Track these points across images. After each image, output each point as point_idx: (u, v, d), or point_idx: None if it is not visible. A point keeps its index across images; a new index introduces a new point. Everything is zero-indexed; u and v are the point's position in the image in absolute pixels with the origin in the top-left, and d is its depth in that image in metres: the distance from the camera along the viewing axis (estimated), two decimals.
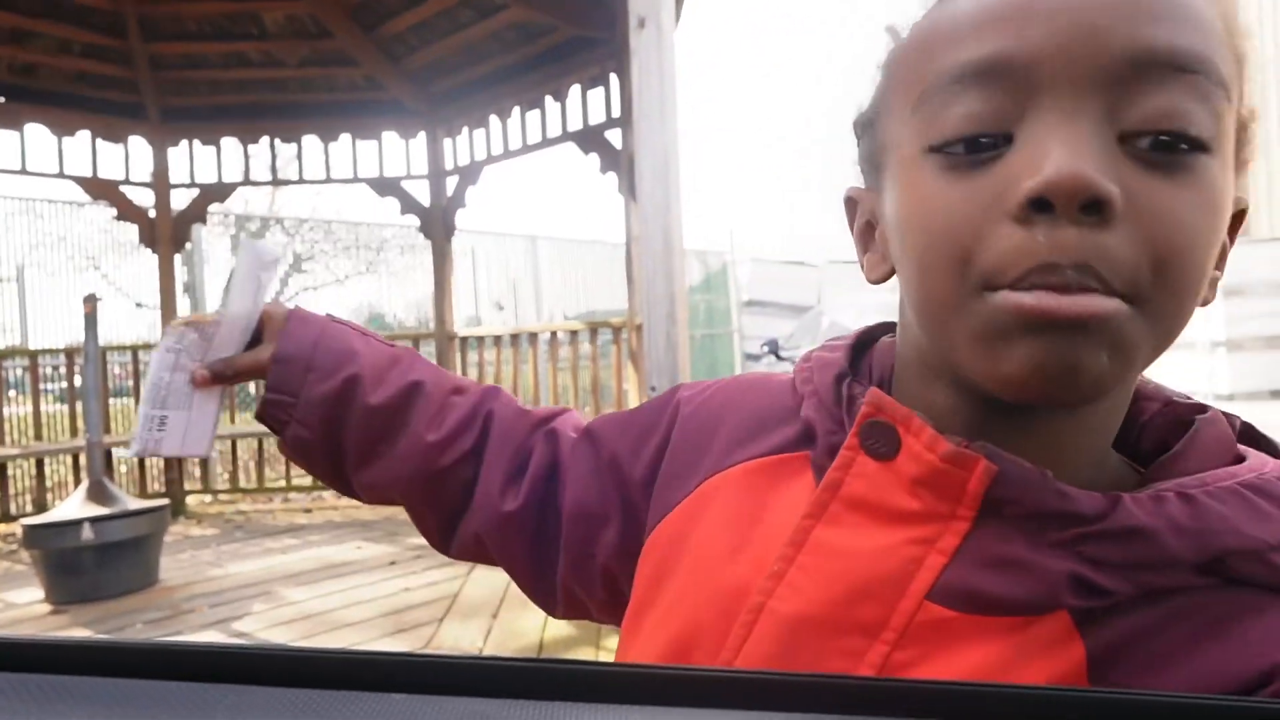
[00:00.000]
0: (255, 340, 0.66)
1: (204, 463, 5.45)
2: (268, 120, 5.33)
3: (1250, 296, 11.54)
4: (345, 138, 5.37)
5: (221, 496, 5.57)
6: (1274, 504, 0.37)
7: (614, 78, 4.20)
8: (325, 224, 9.56)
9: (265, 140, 5.37)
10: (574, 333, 4.99)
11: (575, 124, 4.48)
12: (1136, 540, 0.35)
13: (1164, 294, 0.35)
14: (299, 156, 5.47)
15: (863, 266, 0.46)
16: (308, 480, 5.62)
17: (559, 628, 2.79)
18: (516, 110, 4.82)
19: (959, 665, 0.37)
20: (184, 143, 5.30)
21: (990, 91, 0.35)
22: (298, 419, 0.61)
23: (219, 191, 5.44)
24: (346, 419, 0.61)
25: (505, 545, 0.61)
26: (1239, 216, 0.40)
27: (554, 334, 5.10)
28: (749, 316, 11.15)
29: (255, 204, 17.62)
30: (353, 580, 3.48)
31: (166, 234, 5.28)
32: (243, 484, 5.56)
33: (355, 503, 5.50)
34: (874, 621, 0.38)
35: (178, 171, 5.34)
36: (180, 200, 5.38)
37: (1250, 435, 0.44)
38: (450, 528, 0.64)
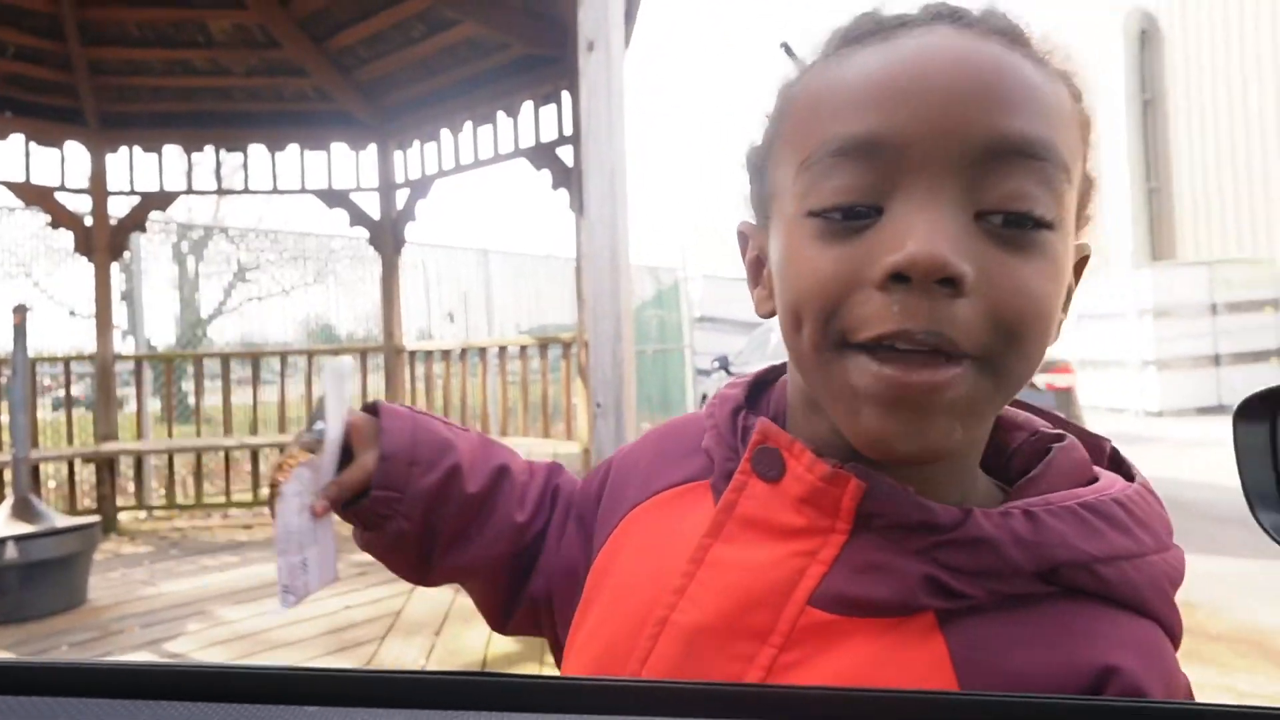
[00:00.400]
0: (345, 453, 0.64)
1: (138, 478, 5.29)
2: (212, 129, 5.24)
3: (1177, 318, 12.08)
4: (293, 148, 5.30)
5: (157, 513, 5.40)
6: (1105, 522, 0.41)
7: (566, 95, 4.23)
8: (271, 234, 9.39)
9: (210, 149, 5.27)
10: (524, 348, 4.99)
11: (527, 140, 4.50)
12: (983, 549, 0.40)
13: (1010, 353, 0.39)
14: (245, 166, 5.38)
15: (753, 299, 0.50)
16: (249, 495, 5.49)
17: (503, 644, 2.78)
18: (468, 125, 4.83)
19: (838, 664, 0.40)
20: (124, 149, 5.17)
21: (865, 166, 0.39)
22: (402, 513, 0.61)
23: (160, 199, 5.31)
24: (445, 507, 0.62)
25: (560, 601, 0.63)
26: (1083, 261, 0.46)
27: (503, 349, 5.09)
28: (701, 332, 11.26)
29: (199, 213, 17.19)
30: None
31: (104, 242, 5.13)
32: (179, 500, 5.41)
33: None
34: (763, 627, 0.42)
35: (116, 178, 5.20)
36: (119, 208, 5.24)
37: (1116, 459, 0.49)
38: (515, 600, 0.66)
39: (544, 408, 4.90)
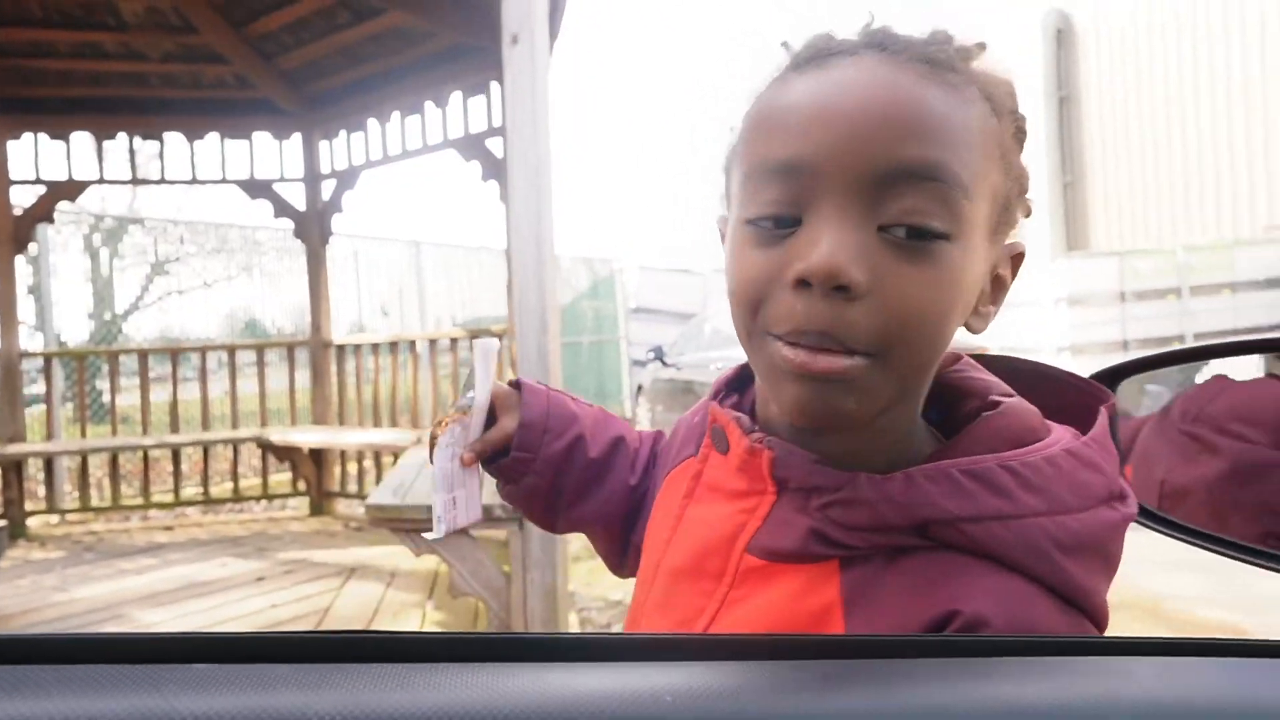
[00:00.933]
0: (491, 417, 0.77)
1: (49, 480, 5.07)
2: (126, 115, 5.03)
3: (1091, 305, 12.66)
4: (213, 137, 5.13)
5: (70, 516, 5.18)
6: (981, 485, 0.45)
7: (495, 86, 4.21)
8: (192, 225, 9.05)
9: (123, 136, 5.06)
10: (455, 340, 4.95)
11: (456, 131, 4.46)
12: (861, 507, 0.46)
13: (901, 349, 0.45)
14: (161, 154, 5.19)
15: None
16: (169, 496, 5.32)
17: None
18: (396, 115, 4.75)
19: (767, 600, 0.49)
20: (28, 136, 4.93)
21: (789, 184, 0.46)
22: (535, 470, 0.73)
23: (68, 189, 5.08)
24: (570, 469, 0.74)
25: None
26: (1018, 258, 0.52)
27: (434, 341, 5.04)
28: (636, 323, 11.31)
29: (113, 203, 16.42)
30: (217, 599, 3.34)
31: (6, 233, 4.89)
32: (95, 502, 5.20)
33: (223, 518, 5.22)
34: (718, 570, 0.52)
35: (20, 167, 4.95)
36: (23, 197, 5.00)
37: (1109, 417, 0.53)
38: (626, 548, 0.77)
39: None
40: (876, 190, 0.44)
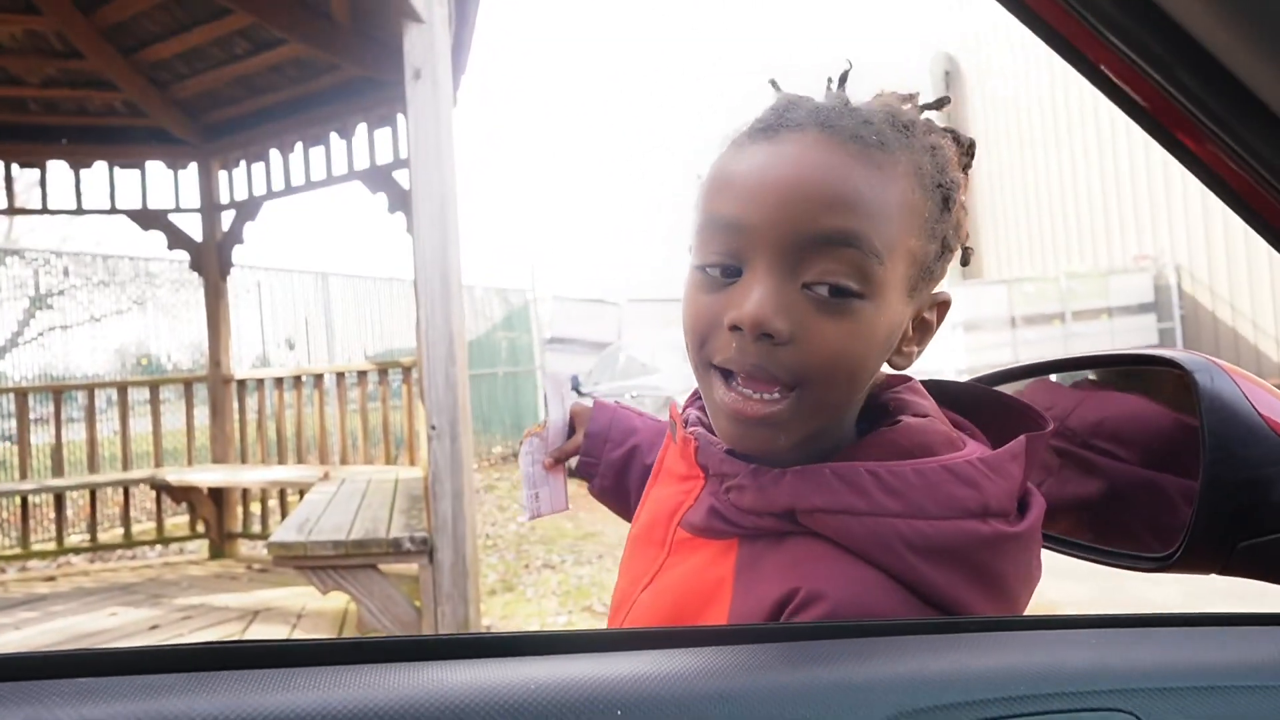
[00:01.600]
0: (572, 430, 0.95)
1: None
2: (2, 142, 4.77)
3: (985, 330, 13.42)
4: (100, 165, 4.92)
5: None
6: (843, 483, 0.52)
7: (402, 119, 4.20)
8: (77, 256, 8.57)
9: None
10: (363, 373, 4.85)
11: (363, 162, 4.42)
12: (748, 492, 0.55)
13: (819, 386, 0.53)
14: (42, 183, 4.94)
15: None
16: (51, 544, 4.98)
17: None
18: (299, 146, 4.67)
19: (686, 567, 0.59)
20: None
21: (730, 239, 0.53)
22: (600, 473, 0.90)
23: None
24: (630, 471, 0.89)
25: None
26: (943, 306, 0.60)
27: (341, 375, 4.93)
28: (551, 353, 11.29)
29: None
30: None
31: None
32: None
33: (112, 566, 4.92)
34: (660, 539, 0.62)
35: None
36: None
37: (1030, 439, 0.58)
38: None
39: (386, 434, 4.79)
40: (801, 253, 0.51)
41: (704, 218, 0.55)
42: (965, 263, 0.61)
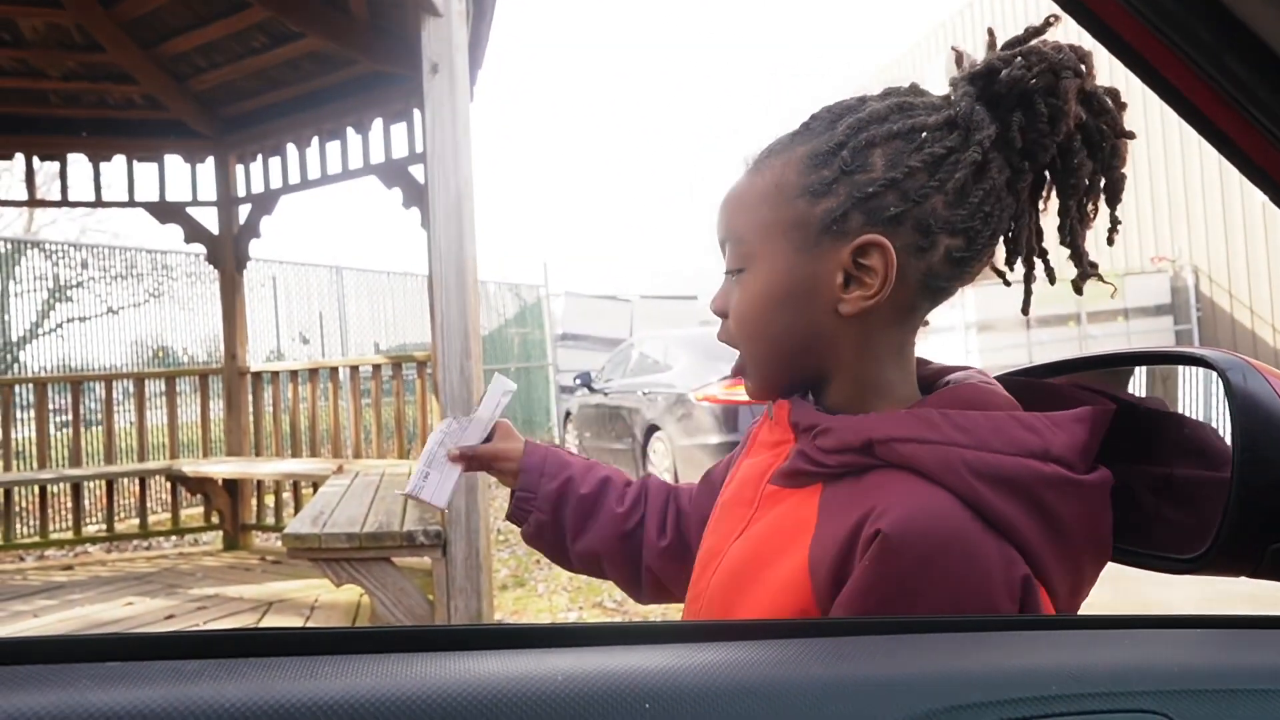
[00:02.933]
0: (489, 438, 0.95)
1: None
2: (23, 134, 4.82)
3: (998, 331, 13.33)
4: (119, 158, 4.96)
5: None
6: (915, 419, 0.58)
7: (418, 113, 4.21)
8: (96, 249, 8.65)
9: (20, 157, 4.84)
10: (376, 367, 4.87)
11: (378, 157, 4.43)
12: (831, 433, 0.61)
13: (746, 341, 0.69)
14: (63, 175, 4.98)
15: None
16: (69, 534, 5.04)
17: None
18: (316, 140, 4.69)
19: (772, 515, 0.65)
20: None
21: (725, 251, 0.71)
22: (537, 506, 0.90)
23: None
24: (566, 504, 0.90)
25: (667, 570, 0.89)
26: (873, 246, 0.61)
27: (355, 369, 4.95)
28: (564, 350, 11.31)
29: (9, 225, 15.52)
30: None
31: None
32: None
33: (128, 556, 4.97)
34: (750, 498, 0.69)
35: None
36: None
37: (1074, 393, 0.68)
38: (637, 575, 0.91)
39: (399, 428, 4.81)
40: (723, 254, 0.70)
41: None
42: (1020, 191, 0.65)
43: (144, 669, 0.36)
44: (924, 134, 0.60)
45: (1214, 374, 0.61)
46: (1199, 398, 0.68)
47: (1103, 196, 0.64)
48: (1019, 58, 0.61)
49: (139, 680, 0.35)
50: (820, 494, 0.62)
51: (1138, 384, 0.84)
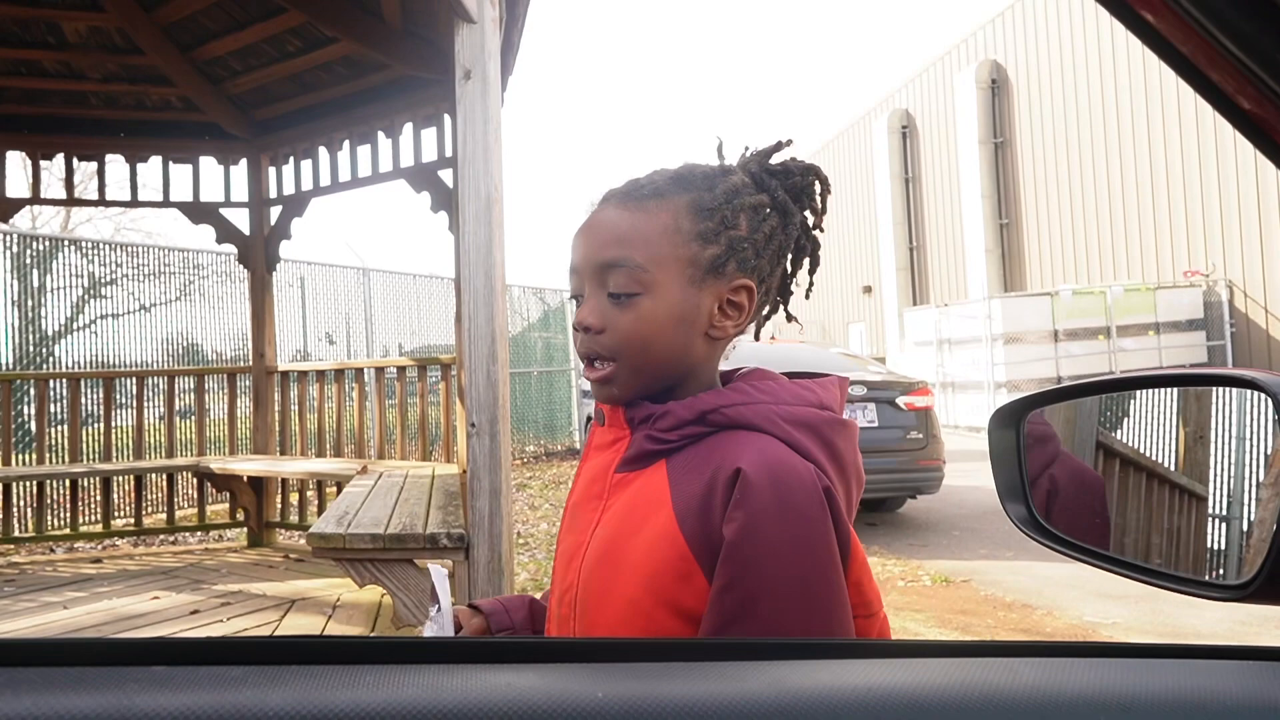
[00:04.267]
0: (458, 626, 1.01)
1: None
2: (64, 135, 4.92)
3: (1025, 343, 13.16)
4: (156, 160, 5.05)
5: None
6: (735, 392, 0.77)
7: (448, 118, 4.24)
8: (130, 248, 8.80)
9: (60, 156, 4.95)
10: (402, 369, 4.91)
11: (408, 161, 4.47)
12: (669, 416, 0.76)
13: (627, 356, 0.78)
14: (100, 175, 5.08)
15: None
16: (98, 527, 5.12)
17: None
18: (346, 143, 4.74)
19: (624, 498, 0.77)
20: None
21: (572, 275, 0.82)
22: (520, 634, 0.98)
23: (2, 208, 4.93)
24: (537, 621, 0.98)
25: None
26: (744, 289, 0.80)
27: (380, 370, 4.99)
28: None
29: (47, 223, 15.85)
30: (147, 633, 3.22)
31: None
32: (17, 533, 4.98)
33: (156, 550, 5.04)
34: (599, 491, 0.80)
35: None
36: None
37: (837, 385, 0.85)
38: None
39: (423, 430, 4.84)
40: (600, 274, 0.78)
41: (570, 264, 0.83)
42: (811, 253, 0.86)
43: (189, 674, 0.37)
44: (767, 210, 0.81)
45: (1263, 395, 0.60)
46: (1236, 420, 0.66)
47: (807, 262, 0.87)
48: (792, 163, 0.84)
49: (184, 685, 0.36)
50: (666, 468, 0.76)
51: (1167, 400, 0.82)
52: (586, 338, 0.78)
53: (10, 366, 6.70)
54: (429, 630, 0.94)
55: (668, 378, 0.79)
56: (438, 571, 0.96)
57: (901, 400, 5.92)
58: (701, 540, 0.70)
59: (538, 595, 1.01)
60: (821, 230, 0.88)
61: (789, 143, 0.86)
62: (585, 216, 0.84)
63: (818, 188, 0.86)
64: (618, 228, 0.78)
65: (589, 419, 9.57)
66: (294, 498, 5.28)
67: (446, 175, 4.26)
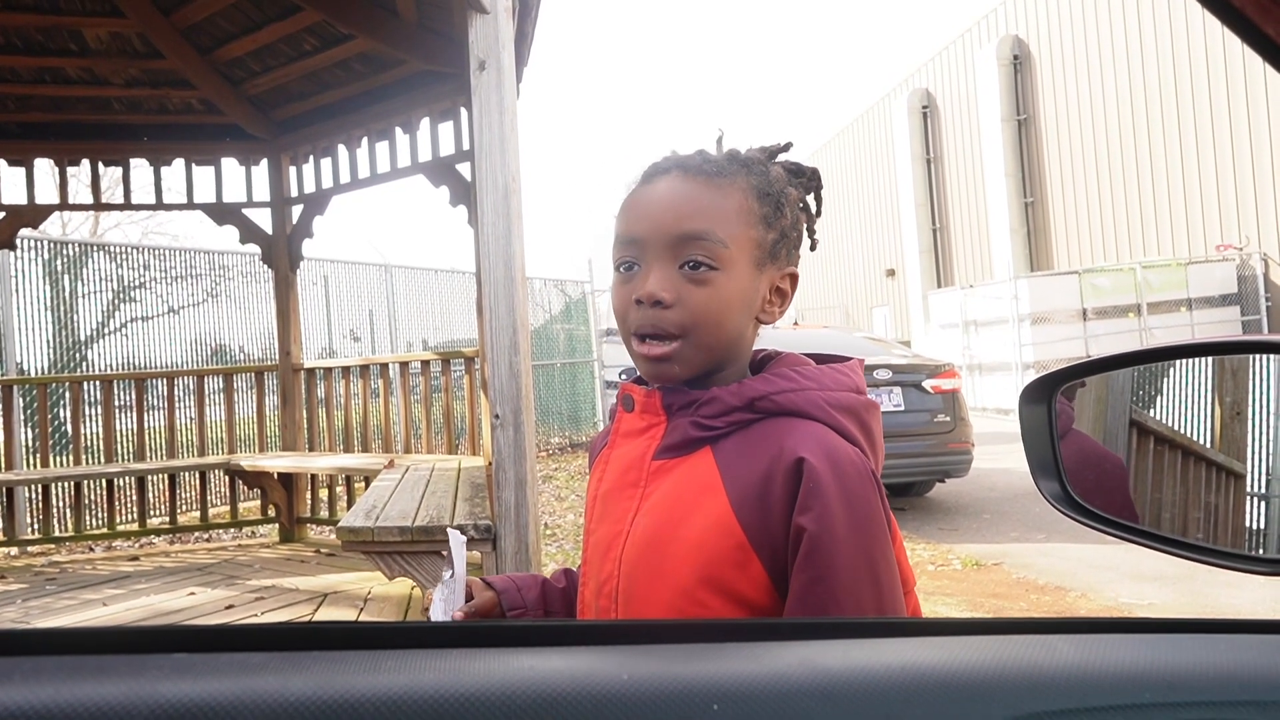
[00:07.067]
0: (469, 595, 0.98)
1: (9, 511, 4.96)
2: (89, 140, 4.99)
3: (1053, 323, 12.94)
4: (179, 162, 5.10)
5: (30, 548, 5.06)
6: (779, 377, 0.77)
7: (464, 112, 4.24)
8: (157, 250, 8.94)
9: (86, 162, 5.02)
10: (426, 363, 4.94)
11: (425, 155, 4.48)
12: (715, 403, 0.76)
13: (697, 334, 0.76)
14: (126, 179, 5.15)
15: None
16: (134, 525, 5.22)
17: None
18: (365, 140, 4.77)
19: (668, 485, 0.77)
20: None
21: (629, 246, 0.79)
22: (532, 612, 0.96)
23: (31, 215, 5.02)
24: (550, 601, 0.97)
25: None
26: (793, 277, 0.83)
27: (405, 365, 5.02)
28: (609, 345, 11.32)
29: (77, 228, 16.13)
30: None
31: None
32: (56, 532, 5.09)
33: (190, 547, 5.11)
34: (636, 479, 0.79)
35: None
36: None
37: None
38: None
39: (448, 423, 4.86)
40: (677, 247, 0.76)
41: (616, 234, 0.80)
42: (812, 248, 0.87)
43: (211, 660, 0.36)
44: (800, 205, 0.84)
45: None
46: (1276, 392, 0.64)
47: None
48: (803, 164, 0.87)
49: (206, 672, 0.35)
50: (713, 455, 0.75)
51: (1202, 376, 0.80)
52: (652, 312, 0.75)
53: (46, 371, 6.85)
54: (438, 594, 0.93)
55: (723, 359, 0.79)
56: (456, 538, 0.95)
57: (928, 383, 5.85)
58: (760, 529, 0.70)
59: (547, 574, 1.00)
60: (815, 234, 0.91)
61: (790, 145, 0.89)
62: (635, 187, 0.82)
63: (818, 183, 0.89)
64: (699, 200, 0.76)
65: (612, 410, 9.66)
66: (323, 493, 5.34)
67: (464, 169, 4.26)
